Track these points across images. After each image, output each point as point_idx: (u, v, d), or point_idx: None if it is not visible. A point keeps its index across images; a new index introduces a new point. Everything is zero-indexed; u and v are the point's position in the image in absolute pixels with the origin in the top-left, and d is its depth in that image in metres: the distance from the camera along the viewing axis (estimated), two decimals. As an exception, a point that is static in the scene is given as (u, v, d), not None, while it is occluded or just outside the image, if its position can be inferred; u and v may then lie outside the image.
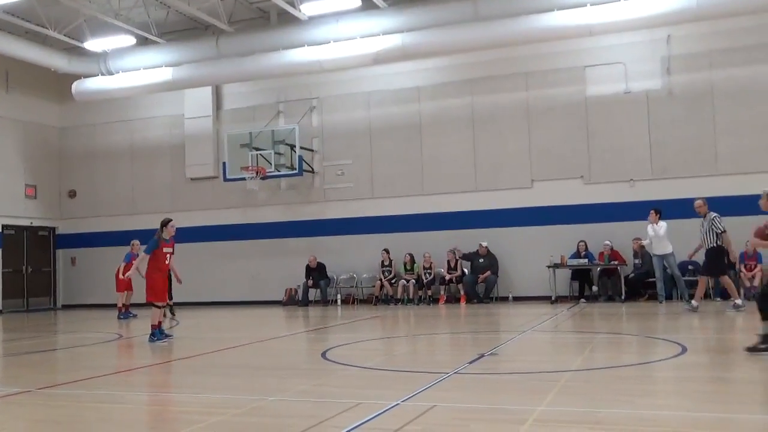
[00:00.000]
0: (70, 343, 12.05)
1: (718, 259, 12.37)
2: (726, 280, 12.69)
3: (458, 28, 15.96)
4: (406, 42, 16.27)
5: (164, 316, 12.18)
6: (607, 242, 15.94)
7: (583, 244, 16.31)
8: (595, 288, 16.44)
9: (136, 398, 6.53)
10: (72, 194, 22.07)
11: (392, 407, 5.41)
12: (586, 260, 16.05)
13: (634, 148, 16.60)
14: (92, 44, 18.11)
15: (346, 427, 4.80)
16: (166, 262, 10.84)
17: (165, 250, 10.78)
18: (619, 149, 16.71)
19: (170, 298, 13.40)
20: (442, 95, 18.30)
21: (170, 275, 11.75)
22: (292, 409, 5.71)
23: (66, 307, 21.72)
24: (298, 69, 17.63)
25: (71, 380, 7.53)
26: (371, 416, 5.12)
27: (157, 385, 7.53)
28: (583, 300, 16.12)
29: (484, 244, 17.20)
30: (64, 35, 17.73)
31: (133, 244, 15.70)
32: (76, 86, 19.55)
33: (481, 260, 17.21)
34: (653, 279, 15.01)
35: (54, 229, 22.13)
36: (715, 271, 12.58)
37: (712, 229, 12.28)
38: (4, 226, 20.39)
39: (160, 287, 10.83)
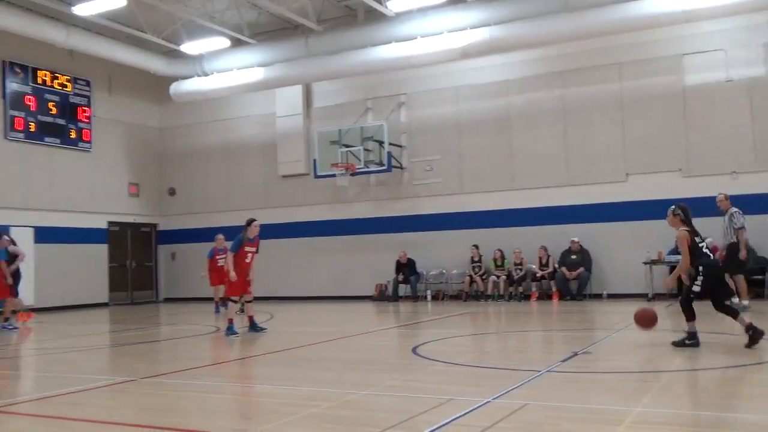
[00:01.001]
0: (171, 335, 12.55)
1: (734, 256, 12.03)
2: (737, 279, 12.18)
3: (547, 20, 15.65)
4: (493, 35, 16.08)
5: (240, 311, 12.53)
6: (709, 238, 15.23)
7: (681, 239, 15.68)
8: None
9: (233, 389, 6.73)
10: (171, 192, 22.97)
11: (483, 405, 5.37)
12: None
13: (736, 139, 15.84)
14: (188, 47, 18.78)
15: (436, 424, 4.80)
16: (247, 261, 11.13)
17: (247, 249, 11.13)
18: (719, 140, 15.99)
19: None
20: (532, 88, 18.00)
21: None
22: (382, 403, 5.75)
23: (167, 300, 22.64)
24: (386, 65, 17.73)
25: (172, 370, 7.85)
26: (462, 413, 5.10)
27: (252, 377, 7.75)
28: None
29: (576, 239, 16.81)
30: (163, 39, 18.47)
31: (217, 239, 16.13)
32: (174, 88, 20.36)
33: (573, 256, 16.84)
34: (760, 276, 14.30)
35: (155, 225, 23.09)
36: (729, 268, 11.95)
37: (732, 225, 12.06)
38: (110, 223, 21.43)
39: (237, 283, 11.09)
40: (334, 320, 14.58)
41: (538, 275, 17.20)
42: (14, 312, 12.99)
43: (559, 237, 17.13)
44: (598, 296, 16.83)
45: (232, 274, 10.94)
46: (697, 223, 8.40)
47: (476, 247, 17.91)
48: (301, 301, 19.51)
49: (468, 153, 18.65)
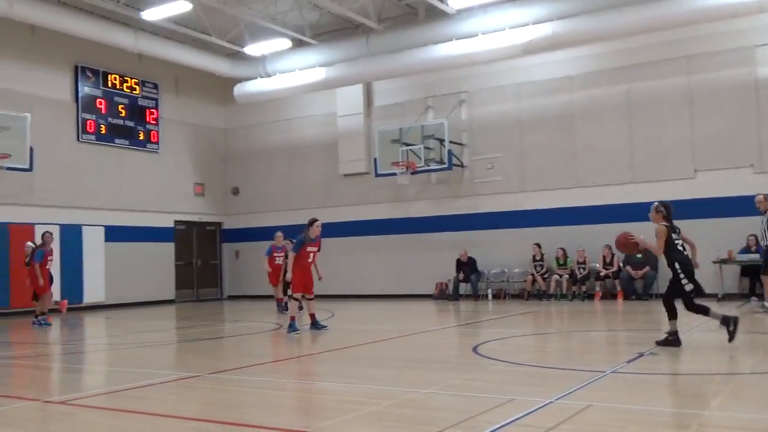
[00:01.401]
0: (235, 332, 12.78)
1: None
2: (764, 279, 11.83)
3: (612, 13, 15.32)
4: (556, 30, 15.83)
5: (300, 308, 12.56)
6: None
7: (753, 238, 15.12)
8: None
9: (294, 386, 6.81)
10: (235, 191, 23.40)
11: (545, 405, 5.30)
12: (757, 255, 14.88)
13: (813, 133, 15.19)
14: (252, 49, 19.10)
15: (498, 423, 4.75)
16: (309, 261, 11.22)
17: (309, 249, 11.19)
18: (795, 135, 15.36)
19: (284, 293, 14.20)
20: (596, 83, 17.65)
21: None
22: (443, 402, 5.73)
23: (231, 297, 23.08)
24: (446, 63, 17.66)
25: (235, 367, 7.99)
26: (524, 413, 5.04)
27: (314, 374, 7.82)
28: (754, 298, 14.96)
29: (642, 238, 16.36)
30: (227, 41, 18.83)
31: (276, 237, 16.24)
32: (238, 89, 20.75)
33: (639, 255, 16.41)
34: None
35: (220, 224, 23.57)
36: (764, 269, 11.78)
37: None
38: (177, 222, 21.98)
39: (299, 281, 11.13)
40: (395, 319, 14.60)
41: (602, 274, 16.87)
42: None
43: (624, 235, 16.73)
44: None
45: (289, 275, 11.06)
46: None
47: (538, 245, 17.68)
48: (362, 300, 19.61)
49: (530, 150, 18.42)
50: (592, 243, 17.07)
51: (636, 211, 16.86)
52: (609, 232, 16.93)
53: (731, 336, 7.96)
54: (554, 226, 17.89)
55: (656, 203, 8.70)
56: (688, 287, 8.14)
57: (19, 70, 17.92)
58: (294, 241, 11.49)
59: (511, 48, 16.48)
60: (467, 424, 4.86)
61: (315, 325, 11.35)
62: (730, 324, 7.95)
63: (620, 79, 17.32)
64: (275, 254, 15.75)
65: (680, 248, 8.35)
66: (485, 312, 15.02)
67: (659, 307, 14.39)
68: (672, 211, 8.54)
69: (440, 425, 4.82)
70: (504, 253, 18.53)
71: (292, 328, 11.01)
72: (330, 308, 15.95)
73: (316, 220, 11.34)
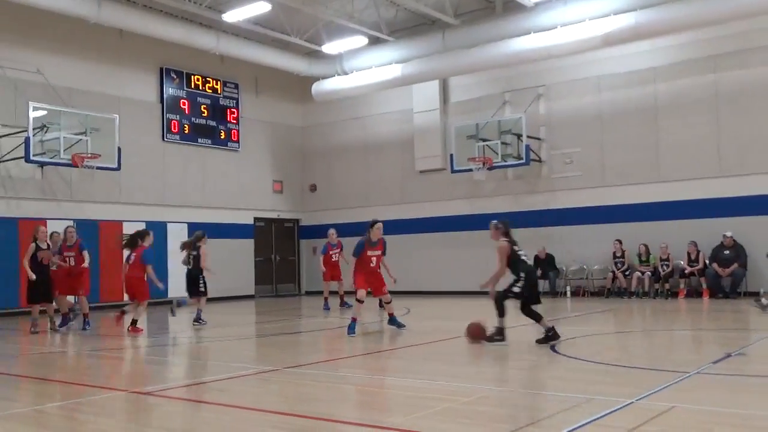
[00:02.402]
0: (312, 327, 12.96)
1: None
2: None
3: (697, 1, 14.75)
4: (639, 20, 15.36)
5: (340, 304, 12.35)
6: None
7: None
8: None
9: (370, 381, 6.86)
10: (313, 188, 23.73)
11: (626, 405, 5.15)
12: None
13: None
14: (329, 47, 19.32)
15: (576, 423, 4.66)
16: (372, 265, 10.73)
17: (370, 253, 10.73)
18: None
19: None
20: (681, 74, 17.04)
21: None
22: (520, 400, 5.66)
23: (308, 293, 23.43)
24: (524, 57, 17.39)
25: (312, 361, 8.11)
26: (603, 413, 4.92)
27: (389, 370, 7.85)
28: None
29: (729, 234, 15.75)
30: (305, 41, 19.11)
31: (330, 234, 16.29)
32: (316, 87, 21.03)
33: (726, 252, 15.79)
34: None
35: (298, 221, 23.95)
36: None
37: None
38: (256, 219, 22.46)
39: (364, 284, 10.67)
40: (471, 315, 14.46)
41: (686, 271, 16.29)
42: (71, 310, 13.07)
43: (710, 231, 16.12)
44: (754, 294, 15.67)
45: (349, 281, 10.86)
46: None
47: (619, 241, 17.23)
48: (438, 296, 19.55)
49: (610, 144, 17.96)
50: (676, 239, 16.51)
51: (724, 207, 16.31)
52: (694, 227, 16.48)
53: (545, 341, 8.62)
54: (636, 222, 17.39)
55: (494, 222, 9.31)
56: (516, 289, 8.83)
57: (107, 72, 18.67)
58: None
59: (591, 40, 16.10)
60: (545, 423, 4.78)
61: (392, 321, 11.06)
62: (552, 334, 8.66)
63: (707, 68, 16.67)
64: (330, 252, 15.86)
65: (524, 258, 8.92)
66: (564, 309, 14.74)
67: (747, 306, 13.85)
68: (509, 226, 9.22)
69: (517, 423, 4.76)
70: (583, 249, 18.14)
71: (350, 330, 10.41)
72: (406, 305, 15.96)
73: (377, 222, 10.84)
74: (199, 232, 13.27)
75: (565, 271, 18.31)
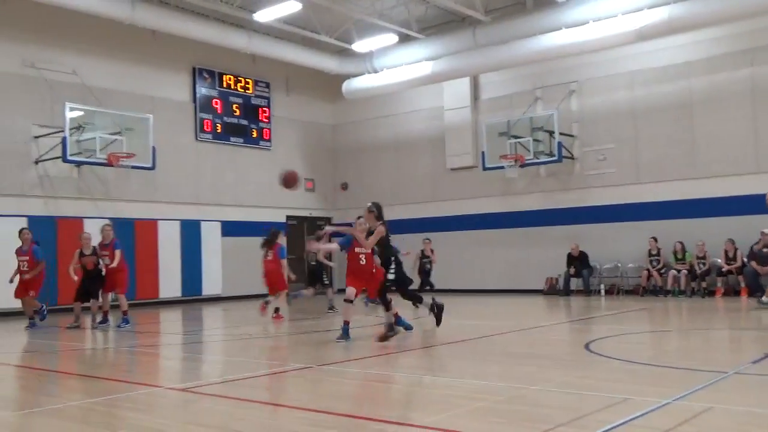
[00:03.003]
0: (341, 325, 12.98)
1: None
2: None
3: (735, -7, 14.50)
4: (673, 14, 15.14)
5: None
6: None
7: None
8: None
9: (403, 379, 6.86)
10: (344, 187, 23.80)
11: (662, 406, 5.08)
12: None
13: None
14: (359, 45, 19.35)
15: (611, 423, 4.61)
16: (361, 263, 9.67)
17: (357, 249, 9.74)
18: None
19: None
20: (717, 69, 16.76)
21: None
22: (553, 399, 5.61)
23: (341, 291, 23.43)
24: (556, 53, 17.26)
25: (346, 359, 8.13)
26: (639, 414, 4.86)
27: (422, 368, 7.84)
28: None
29: (767, 231, 15.44)
30: (335, 39, 19.17)
31: (425, 242, 16.14)
32: (346, 86, 21.09)
33: (766, 250, 15.48)
34: None
35: (330, 219, 24.03)
36: None
37: None
38: (288, 217, 22.60)
39: (350, 282, 10.09)
40: (504, 314, 14.44)
41: (724, 270, 16.03)
42: (100, 309, 13.27)
43: (748, 229, 15.81)
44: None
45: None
46: None
47: (654, 239, 17.01)
48: (470, 294, 19.48)
49: (645, 141, 17.73)
50: (713, 236, 16.26)
51: (761, 203, 15.95)
52: (731, 225, 16.20)
53: (438, 320, 9.36)
54: (671, 219, 17.15)
55: (369, 204, 9.37)
56: (391, 276, 9.08)
57: (141, 73, 18.92)
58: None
59: (625, 34, 15.91)
60: (579, 423, 4.74)
61: (399, 322, 10.14)
62: (434, 309, 9.22)
63: (744, 62, 16.38)
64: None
65: (394, 244, 9.10)
66: (597, 308, 14.60)
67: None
68: (383, 210, 9.29)
69: (550, 423, 4.72)
70: (617, 247, 17.94)
71: (343, 334, 9.63)
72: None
73: (360, 217, 10.40)
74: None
75: (598, 269, 18.12)
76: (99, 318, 12.75)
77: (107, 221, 14.20)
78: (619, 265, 17.94)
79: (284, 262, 13.41)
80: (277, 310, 13.33)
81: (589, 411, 5.04)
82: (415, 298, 9.35)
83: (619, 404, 5.21)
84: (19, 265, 12.86)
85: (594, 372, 6.91)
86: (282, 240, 13.71)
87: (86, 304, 12.72)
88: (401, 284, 9.29)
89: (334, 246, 9.79)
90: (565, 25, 16.65)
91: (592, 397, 5.52)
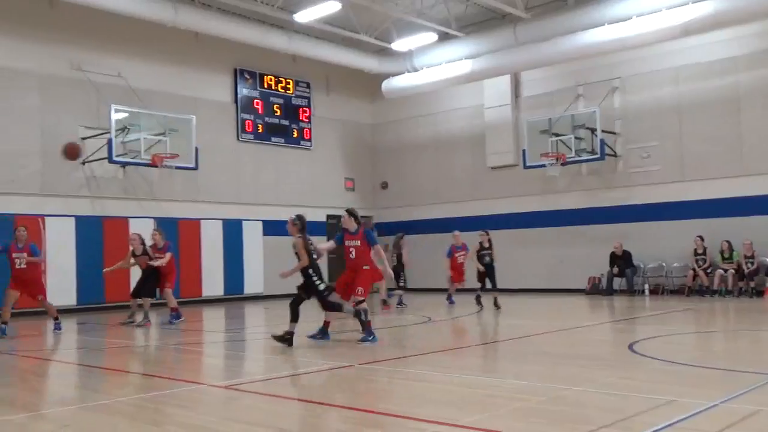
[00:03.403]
0: (385, 324, 13.01)
1: None
2: None
3: (784, -14, 14.13)
4: (719, 8, 14.82)
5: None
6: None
7: None
8: None
9: (443, 378, 6.85)
10: (384, 185, 23.83)
11: (708, 408, 4.99)
12: None
13: None
14: (399, 44, 19.36)
15: (655, 426, 4.54)
16: (351, 257, 9.90)
17: (347, 243, 9.95)
18: None
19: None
20: (764, 63, 16.35)
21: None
22: (596, 400, 5.55)
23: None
24: (598, 49, 17.04)
25: (386, 358, 8.15)
26: (684, 416, 4.77)
27: (463, 368, 7.82)
28: None
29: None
30: (375, 39, 19.21)
31: (455, 236, 15.95)
32: (386, 85, 21.11)
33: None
34: None
35: (369, 217, 24.04)
36: None
37: None
38: (328, 216, 22.71)
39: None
40: (545, 313, 14.31)
41: (773, 269, 15.65)
42: (140, 307, 13.40)
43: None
44: None
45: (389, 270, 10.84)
46: None
47: (700, 238, 16.67)
48: (511, 294, 19.33)
49: (690, 137, 17.39)
50: (761, 235, 15.88)
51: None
52: (781, 223, 15.77)
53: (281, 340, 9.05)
54: (718, 218, 16.80)
55: (293, 216, 9.59)
56: (322, 286, 9.17)
57: (184, 74, 19.21)
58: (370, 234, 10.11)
59: (669, 29, 15.63)
60: (622, 425, 4.68)
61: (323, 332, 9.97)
62: (360, 315, 9.15)
63: (793, 57, 15.95)
64: (456, 254, 15.71)
65: (312, 255, 9.36)
66: (641, 308, 14.38)
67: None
68: (305, 222, 9.58)
69: (593, 424, 4.67)
70: (662, 246, 17.63)
71: (367, 336, 9.51)
72: (482, 302, 15.86)
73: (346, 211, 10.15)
74: (400, 234, 15.66)
75: (642, 269, 17.84)
76: (141, 316, 12.93)
77: (156, 226, 14.36)
78: (664, 264, 17.63)
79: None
80: (384, 302, 14.83)
81: (632, 413, 4.97)
82: (334, 307, 9.27)
83: (664, 406, 5.13)
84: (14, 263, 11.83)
85: (638, 373, 6.81)
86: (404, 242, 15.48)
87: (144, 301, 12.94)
88: (312, 292, 9.31)
89: (330, 244, 10.20)
90: (608, 21, 16.42)
91: (636, 399, 5.45)
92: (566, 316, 13.44)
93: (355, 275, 9.62)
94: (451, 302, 15.80)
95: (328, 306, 9.33)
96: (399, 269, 15.39)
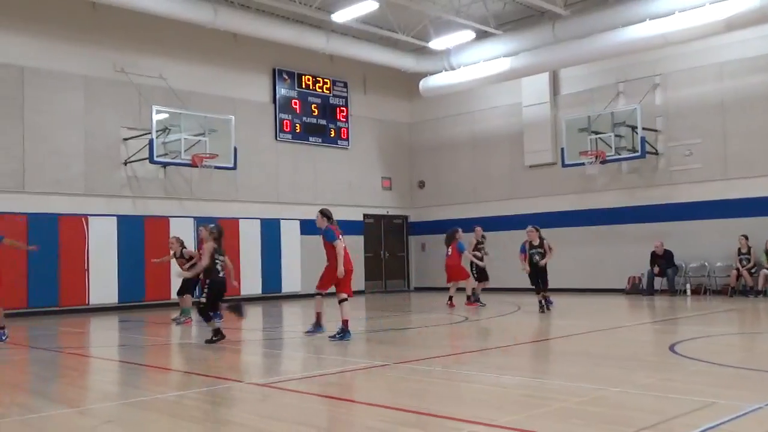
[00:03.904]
0: (422, 323, 13.02)
1: None
2: None
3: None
4: (764, 2, 14.47)
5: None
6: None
7: None
8: None
9: (482, 378, 6.81)
10: (421, 185, 23.80)
11: (753, 411, 4.88)
12: None
13: None
14: (436, 43, 19.30)
15: (697, 428, 4.45)
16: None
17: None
18: None
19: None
20: (813, 58, 15.93)
21: None
22: (636, 402, 5.46)
23: (417, 289, 23.53)
24: (639, 45, 16.77)
25: (423, 357, 8.14)
26: (727, 418, 4.68)
27: (500, 367, 7.76)
28: None
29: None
30: (412, 37, 19.19)
31: (529, 232, 15.62)
32: (423, 83, 21.07)
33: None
34: None
35: (406, 217, 24.09)
36: None
37: None
38: (365, 215, 22.77)
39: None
40: (584, 313, 14.15)
41: (821, 270, 15.23)
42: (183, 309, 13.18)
43: None
44: None
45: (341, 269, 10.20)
46: None
47: (745, 237, 16.30)
48: (549, 293, 19.13)
49: (734, 135, 17.02)
50: (809, 235, 15.46)
51: None
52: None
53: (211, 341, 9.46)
54: (763, 216, 16.40)
55: (212, 225, 10.15)
56: (203, 300, 9.66)
57: (223, 75, 19.42)
58: (337, 230, 10.48)
59: (713, 24, 15.31)
60: (663, 427, 4.60)
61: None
62: (217, 335, 9.52)
63: (843, 51, 15.51)
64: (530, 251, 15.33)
65: (219, 267, 9.72)
66: (683, 308, 14.12)
67: None
68: (223, 233, 10.01)
69: (633, 426, 4.60)
70: (705, 245, 17.29)
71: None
72: (517, 302, 15.77)
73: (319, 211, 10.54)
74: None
75: (684, 268, 17.51)
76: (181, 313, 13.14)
77: (204, 224, 14.39)
78: (707, 264, 17.29)
79: (466, 252, 15.09)
80: (469, 298, 14.98)
81: (674, 414, 4.88)
82: (206, 317, 9.65)
83: (706, 408, 5.04)
84: None
85: (679, 374, 6.69)
86: (460, 236, 15.16)
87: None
88: (206, 307, 9.68)
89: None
90: (650, 17, 16.15)
91: (677, 401, 5.35)
92: (606, 316, 13.26)
93: (334, 274, 10.25)
94: (481, 305, 14.97)
95: (203, 316, 9.73)
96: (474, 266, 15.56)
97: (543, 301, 13.51)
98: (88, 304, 16.24)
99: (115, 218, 16.99)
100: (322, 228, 10.36)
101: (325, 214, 10.36)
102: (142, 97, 17.31)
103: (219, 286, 9.78)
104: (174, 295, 14.07)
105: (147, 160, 16.80)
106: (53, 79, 16.37)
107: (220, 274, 9.80)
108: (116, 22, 17.19)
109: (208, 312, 9.67)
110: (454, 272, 15.14)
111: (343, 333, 9.75)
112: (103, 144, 17.05)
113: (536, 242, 13.78)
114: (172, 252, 13.36)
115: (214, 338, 9.57)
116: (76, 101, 16.72)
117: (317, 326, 10.32)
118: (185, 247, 13.37)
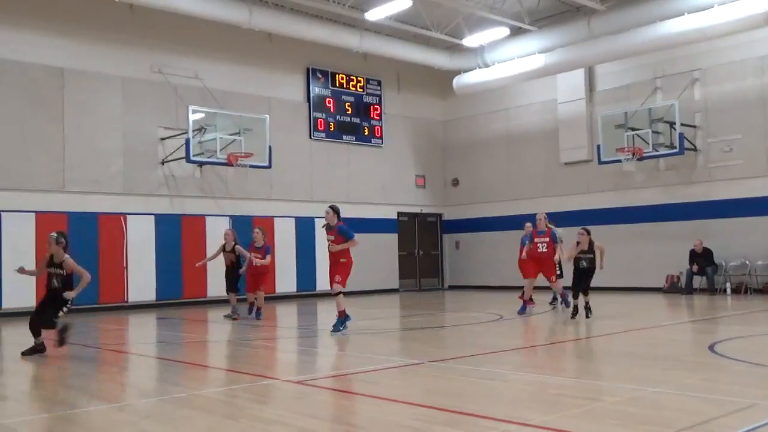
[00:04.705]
0: (456, 322, 12.99)
1: None
2: None
3: None
4: (808, -6, 14.14)
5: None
6: None
7: None
8: None
9: (515, 377, 6.78)
10: (455, 183, 23.72)
11: (795, 413, 4.78)
12: None
13: None
14: (470, 40, 19.21)
15: (737, 429, 4.38)
16: (330, 250, 10.68)
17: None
18: None
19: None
20: None
21: None
22: (674, 402, 5.38)
23: (451, 287, 23.47)
24: (677, 40, 16.49)
25: (458, 355, 8.12)
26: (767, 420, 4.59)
27: (535, 366, 7.72)
28: None
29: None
30: (445, 35, 19.13)
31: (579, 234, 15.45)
32: (457, 81, 20.99)
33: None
34: None
35: (440, 215, 24.03)
36: None
37: None
38: (399, 213, 22.77)
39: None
40: (621, 312, 13.97)
41: None
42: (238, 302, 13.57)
43: None
44: None
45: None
46: None
47: (787, 235, 15.95)
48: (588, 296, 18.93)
49: (776, 130, 16.65)
50: None
51: None
52: None
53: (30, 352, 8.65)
54: (806, 214, 16.04)
55: (54, 234, 9.01)
56: (60, 314, 8.85)
57: (258, 75, 19.58)
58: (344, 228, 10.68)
59: (753, 18, 15.00)
60: (701, 428, 4.53)
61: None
62: (61, 337, 8.75)
63: None
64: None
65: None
66: (723, 308, 13.87)
67: None
68: (68, 238, 9.04)
69: (671, 427, 4.54)
70: (745, 243, 16.95)
71: (337, 326, 10.50)
72: (548, 300, 15.62)
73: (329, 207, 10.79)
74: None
75: (724, 267, 17.20)
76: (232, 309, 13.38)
77: (259, 226, 14.51)
78: (747, 262, 16.95)
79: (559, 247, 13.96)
80: (554, 299, 14.43)
81: (713, 416, 4.80)
82: (58, 331, 8.91)
83: (747, 410, 4.94)
84: None
85: (719, 375, 6.58)
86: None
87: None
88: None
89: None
90: (688, 11, 15.88)
91: (717, 402, 5.26)
92: (644, 315, 13.09)
93: (335, 267, 10.52)
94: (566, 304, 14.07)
95: (58, 329, 8.99)
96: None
97: (584, 305, 12.23)
98: (127, 301, 16.52)
99: (152, 217, 17.25)
100: (333, 224, 10.47)
101: (336, 210, 10.48)
102: (179, 97, 17.53)
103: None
104: (215, 293, 14.30)
105: (183, 160, 17.02)
106: (92, 80, 16.67)
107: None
108: (153, 24, 17.44)
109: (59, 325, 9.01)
110: (546, 267, 13.72)
111: (343, 323, 10.39)
112: (140, 144, 17.31)
113: (585, 247, 12.47)
114: (224, 243, 13.54)
115: (38, 348, 8.84)
116: (114, 102, 17.01)
117: (347, 318, 10.59)
118: (238, 243, 13.58)
